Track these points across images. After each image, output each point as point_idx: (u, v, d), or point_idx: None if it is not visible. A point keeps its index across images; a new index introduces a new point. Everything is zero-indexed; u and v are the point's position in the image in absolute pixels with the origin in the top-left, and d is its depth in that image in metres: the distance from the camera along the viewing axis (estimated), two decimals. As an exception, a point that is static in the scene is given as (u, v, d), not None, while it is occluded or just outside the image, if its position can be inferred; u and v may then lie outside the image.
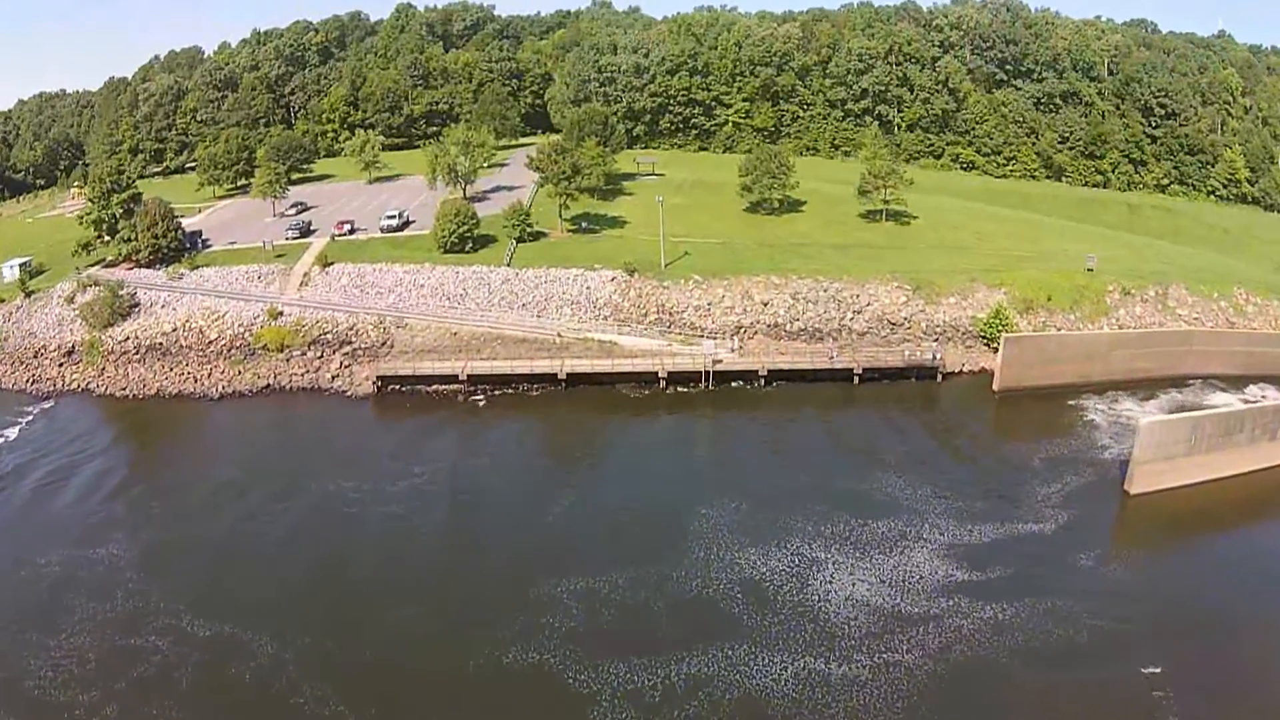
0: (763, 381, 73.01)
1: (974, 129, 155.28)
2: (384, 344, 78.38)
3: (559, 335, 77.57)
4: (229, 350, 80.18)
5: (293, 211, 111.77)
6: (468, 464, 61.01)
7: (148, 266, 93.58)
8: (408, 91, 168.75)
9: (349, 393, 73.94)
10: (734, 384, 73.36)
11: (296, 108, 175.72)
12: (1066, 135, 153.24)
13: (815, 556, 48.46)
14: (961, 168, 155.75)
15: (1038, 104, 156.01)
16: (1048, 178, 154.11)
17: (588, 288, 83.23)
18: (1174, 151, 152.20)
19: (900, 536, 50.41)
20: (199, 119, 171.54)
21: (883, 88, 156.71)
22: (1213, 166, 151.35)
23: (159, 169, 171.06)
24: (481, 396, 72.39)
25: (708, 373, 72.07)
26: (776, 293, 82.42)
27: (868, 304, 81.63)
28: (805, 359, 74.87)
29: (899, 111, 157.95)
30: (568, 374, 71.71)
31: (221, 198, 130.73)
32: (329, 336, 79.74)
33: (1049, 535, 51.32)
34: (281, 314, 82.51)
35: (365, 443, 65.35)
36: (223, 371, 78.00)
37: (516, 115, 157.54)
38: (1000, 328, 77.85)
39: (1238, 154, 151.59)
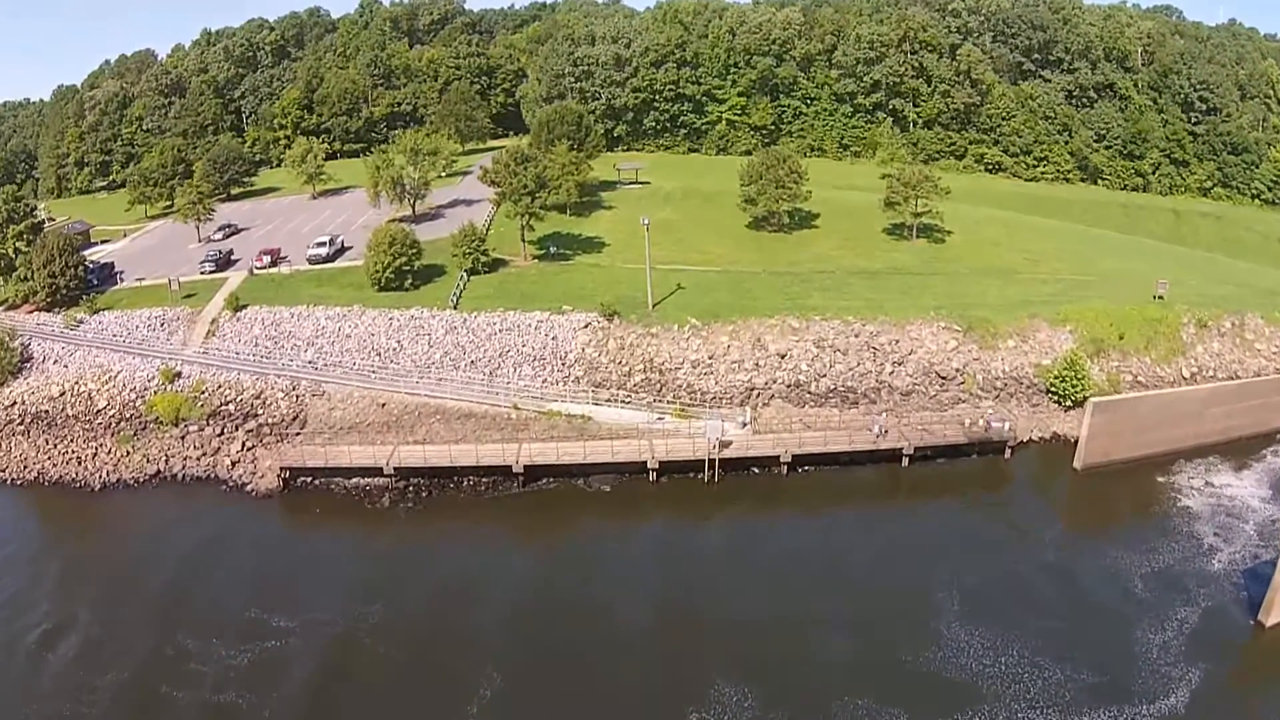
0: (785, 468, 55.83)
1: (1000, 125, 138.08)
2: (296, 418, 61.94)
3: (515, 408, 60.64)
4: (118, 423, 64.07)
5: (219, 236, 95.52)
6: (362, 616, 43.65)
7: (47, 310, 77.85)
8: (367, 92, 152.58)
9: (250, 486, 57.47)
10: (748, 470, 56.44)
11: (247, 113, 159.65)
12: (1103, 133, 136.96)
13: (872, 802, 32.08)
14: (987, 169, 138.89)
15: (1069, 97, 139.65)
16: (1082, 180, 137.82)
17: (554, 338, 66.44)
18: (1217, 151, 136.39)
19: (986, 747, 34.37)
20: (145, 128, 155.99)
21: (897, 79, 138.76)
22: (1257, 167, 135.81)
23: (104, 183, 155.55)
24: (411, 497, 55.18)
25: (712, 460, 54.55)
26: (796, 340, 65.65)
27: (910, 352, 65.20)
28: (841, 437, 57.02)
29: (915, 106, 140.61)
30: (525, 466, 54.26)
31: (154, 218, 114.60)
32: (231, 407, 63.45)
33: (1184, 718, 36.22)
34: (180, 375, 66.51)
35: (245, 572, 48.46)
36: (109, 451, 62.07)
37: (485, 116, 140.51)
38: (1076, 382, 62.22)
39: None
